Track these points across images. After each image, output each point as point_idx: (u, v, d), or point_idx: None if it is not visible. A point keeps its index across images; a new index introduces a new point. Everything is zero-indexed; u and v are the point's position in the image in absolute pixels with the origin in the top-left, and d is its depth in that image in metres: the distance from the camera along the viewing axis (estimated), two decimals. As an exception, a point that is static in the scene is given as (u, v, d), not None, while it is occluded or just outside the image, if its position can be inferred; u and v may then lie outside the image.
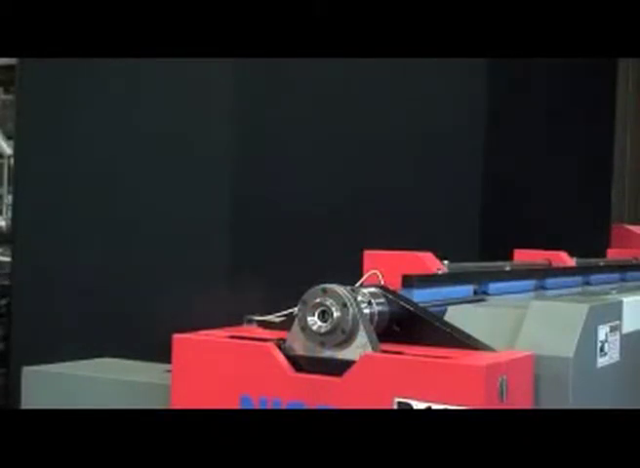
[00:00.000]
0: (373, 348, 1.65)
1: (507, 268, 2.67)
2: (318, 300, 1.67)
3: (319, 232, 3.73)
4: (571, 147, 4.88)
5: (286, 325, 1.77)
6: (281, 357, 1.70)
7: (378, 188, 3.82)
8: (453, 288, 2.25)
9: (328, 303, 1.66)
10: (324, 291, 1.68)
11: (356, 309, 1.66)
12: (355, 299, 1.67)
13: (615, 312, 1.95)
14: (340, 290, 1.67)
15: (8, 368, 4.31)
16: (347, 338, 1.66)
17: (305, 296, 1.70)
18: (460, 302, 2.08)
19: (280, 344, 1.72)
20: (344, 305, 1.66)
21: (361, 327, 1.65)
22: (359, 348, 1.65)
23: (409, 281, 2.09)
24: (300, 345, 1.71)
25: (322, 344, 1.68)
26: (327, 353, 1.68)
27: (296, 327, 1.71)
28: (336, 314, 1.65)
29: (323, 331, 1.67)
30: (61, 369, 2.19)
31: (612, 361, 1.89)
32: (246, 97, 3.70)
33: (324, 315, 1.67)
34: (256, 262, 3.64)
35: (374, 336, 1.67)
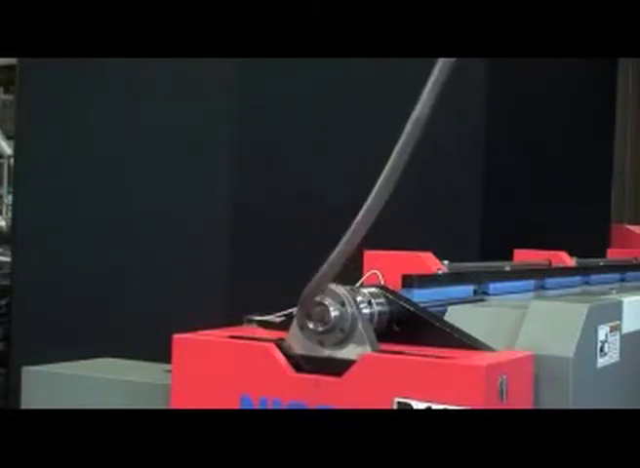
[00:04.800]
0: (371, 347, 1.64)
1: (507, 268, 2.67)
2: (317, 299, 1.67)
3: (319, 232, 3.73)
4: (571, 147, 4.89)
5: (286, 325, 1.77)
6: (281, 357, 1.70)
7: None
8: (453, 288, 2.25)
9: (326, 302, 1.66)
10: (322, 290, 1.68)
11: (355, 308, 1.65)
12: (354, 299, 1.67)
13: (615, 312, 1.95)
14: (339, 289, 1.67)
15: (8, 368, 4.31)
16: (346, 337, 1.66)
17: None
18: (460, 302, 2.08)
19: (280, 344, 1.72)
20: (343, 304, 1.66)
21: (360, 326, 1.65)
22: (358, 347, 1.65)
23: (409, 281, 2.10)
24: (299, 344, 1.70)
25: (321, 343, 1.68)
26: (326, 352, 1.68)
27: (294, 326, 1.71)
28: (334, 313, 1.65)
29: (321, 329, 1.67)
30: (61, 369, 2.19)
31: (612, 361, 1.89)
32: (246, 97, 3.70)
33: (322, 314, 1.67)
34: (256, 262, 3.64)
35: (372, 336, 1.66)
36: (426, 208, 3.87)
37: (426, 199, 3.88)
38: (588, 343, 1.79)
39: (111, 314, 3.85)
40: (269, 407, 1.68)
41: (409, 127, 1.50)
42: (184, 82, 3.77)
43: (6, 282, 4.93)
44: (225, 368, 1.74)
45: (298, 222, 3.72)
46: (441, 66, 1.48)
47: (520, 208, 4.27)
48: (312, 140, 3.81)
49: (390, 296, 1.79)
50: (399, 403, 1.57)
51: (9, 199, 8.99)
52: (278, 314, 1.88)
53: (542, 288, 2.71)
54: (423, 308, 1.83)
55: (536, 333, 1.76)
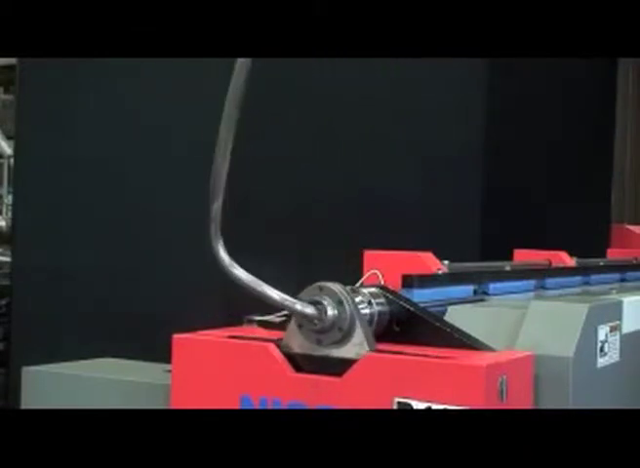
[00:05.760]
0: (369, 346, 1.64)
1: (507, 268, 2.67)
2: (314, 298, 1.67)
3: (319, 232, 3.73)
4: (571, 147, 4.88)
5: (286, 325, 1.76)
6: (281, 357, 1.70)
7: (378, 188, 3.82)
8: (453, 288, 2.25)
9: (324, 301, 1.66)
10: (320, 288, 1.68)
11: (352, 307, 1.65)
12: (352, 297, 1.67)
13: (615, 312, 1.95)
14: (337, 287, 1.67)
15: (8, 368, 4.32)
16: (344, 336, 1.65)
17: (302, 294, 1.69)
18: (460, 302, 2.08)
19: (279, 343, 1.72)
20: (340, 303, 1.65)
21: (357, 325, 1.65)
22: (356, 346, 1.65)
23: (409, 281, 2.09)
24: (297, 343, 1.70)
25: (319, 342, 1.68)
26: (324, 351, 1.68)
27: (292, 324, 1.71)
28: (332, 312, 1.65)
29: (319, 328, 1.67)
30: (61, 369, 2.19)
31: (612, 361, 1.89)
32: (246, 97, 3.69)
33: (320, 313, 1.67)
34: (255, 262, 3.63)
35: (370, 334, 1.66)
36: (426, 207, 3.86)
37: (426, 199, 3.87)
38: (588, 343, 1.79)
39: (111, 314, 3.85)
40: (269, 407, 1.68)
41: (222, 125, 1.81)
42: (184, 82, 3.77)
43: (6, 282, 4.94)
44: (225, 368, 1.74)
45: (298, 222, 3.72)
46: (239, 67, 1.57)
47: (520, 208, 4.26)
48: (313, 141, 3.80)
49: (390, 296, 1.78)
50: (399, 403, 1.57)
51: (9, 199, 9.00)
52: (278, 314, 1.88)
53: (542, 288, 2.70)
54: (423, 308, 1.82)
55: (536, 333, 1.76)
